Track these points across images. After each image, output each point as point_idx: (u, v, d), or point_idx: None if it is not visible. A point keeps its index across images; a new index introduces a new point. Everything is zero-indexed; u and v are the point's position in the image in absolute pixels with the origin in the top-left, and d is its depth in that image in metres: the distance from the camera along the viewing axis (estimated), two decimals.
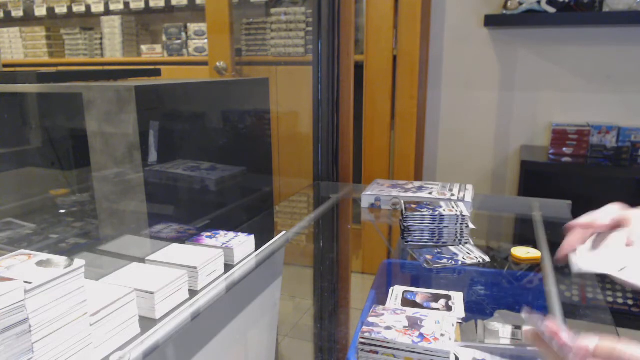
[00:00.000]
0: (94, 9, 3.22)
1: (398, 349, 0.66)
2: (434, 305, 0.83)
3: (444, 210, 1.16)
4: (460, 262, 1.04)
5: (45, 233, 1.15)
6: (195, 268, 0.82)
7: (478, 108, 2.32)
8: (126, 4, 3.10)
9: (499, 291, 0.95)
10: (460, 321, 0.78)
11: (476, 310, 0.84)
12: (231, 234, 0.98)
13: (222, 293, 0.84)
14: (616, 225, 0.64)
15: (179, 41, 3.02)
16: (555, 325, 0.53)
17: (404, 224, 1.15)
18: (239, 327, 0.89)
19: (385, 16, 2.19)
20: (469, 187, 1.46)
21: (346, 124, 1.92)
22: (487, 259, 1.06)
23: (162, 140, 0.98)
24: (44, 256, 0.58)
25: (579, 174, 2.17)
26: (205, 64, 2.61)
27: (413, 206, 1.18)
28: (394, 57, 2.24)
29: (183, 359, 0.76)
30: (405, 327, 0.68)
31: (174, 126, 1.04)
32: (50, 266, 0.56)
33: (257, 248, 1.00)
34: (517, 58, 2.22)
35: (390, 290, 0.88)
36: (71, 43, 3.39)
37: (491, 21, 2.08)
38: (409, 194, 1.41)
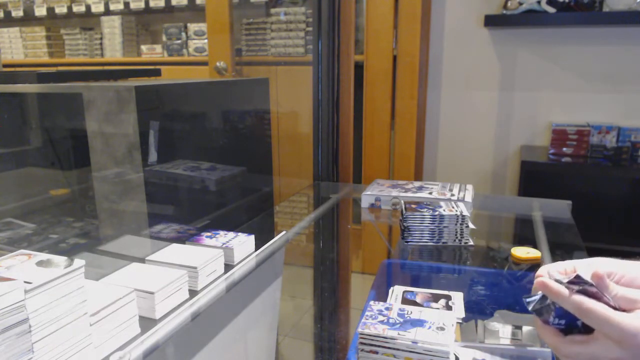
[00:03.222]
0: (94, 9, 3.22)
1: (398, 349, 0.65)
2: (434, 305, 0.83)
3: (444, 210, 1.16)
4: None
5: (45, 233, 1.15)
6: (195, 268, 0.82)
7: (478, 108, 2.32)
8: (126, 4, 3.10)
9: (499, 291, 0.95)
10: (460, 321, 0.78)
11: (476, 310, 0.84)
12: (231, 234, 0.98)
13: (222, 293, 0.84)
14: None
15: (179, 41, 3.02)
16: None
17: (404, 224, 1.15)
18: (239, 327, 0.89)
19: (385, 16, 2.19)
20: (469, 187, 1.46)
21: (346, 124, 1.92)
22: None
23: (162, 140, 0.98)
24: (44, 256, 0.58)
25: (579, 174, 2.17)
26: (205, 64, 2.61)
27: (413, 206, 1.18)
28: (394, 57, 2.24)
29: (183, 359, 0.76)
30: (404, 326, 0.68)
31: (174, 126, 1.05)
32: (50, 266, 0.56)
33: (257, 248, 1.00)
34: (517, 58, 2.22)
35: (390, 290, 0.88)
36: (71, 43, 3.39)
37: (491, 21, 2.08)
38: (409, 194, 1.41)
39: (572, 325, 0.56)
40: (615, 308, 0.52)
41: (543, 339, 0.58)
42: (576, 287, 0.54)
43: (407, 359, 0.65)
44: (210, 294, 0.83)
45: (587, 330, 0.54)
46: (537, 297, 0.58)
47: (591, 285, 0.53)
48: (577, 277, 0.54)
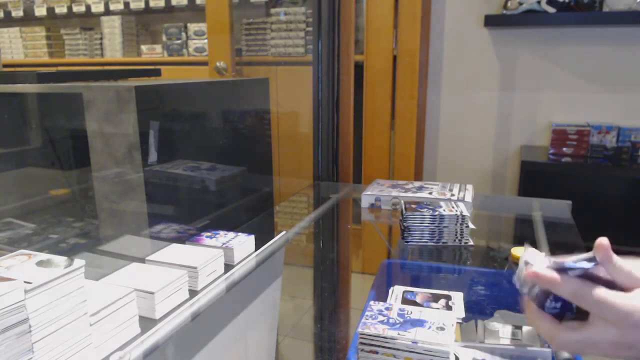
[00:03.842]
0: (94, 9, 3.22)
1: (398, 349, 0.66)
2: (434, 305, 0.83)
3: (444, 210, 1.16)
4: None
5: (45, 233, 1.15)
6: (195, 268, 0.82)
7: (478, 108, 2.32)
8: (126, 4, 3.10)
9: (499, 291, 0.95)
10: (460, 321, 0.78)
11: (476, 310, 0.84)
12: (231, 234, 0.98)
13: (222, 293, 0.84)
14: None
15: (179, 41, 3.02)
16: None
17: (404, 224, 1.15)
18: (239, 327, 0.89)
19: (385, 16, 2.19)
20: (469, 187, 1.46)
21: (346, 124, 1.92)
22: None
23: (162, 140, 0.98)
24: (44, 256, 0.58)
25: (579, 174, 2.17)
26: (205, 64, 2.61)
27: (413, 206, 1.18)
28: (394, 57, 2.24)
29: (183, 359, 0.76)
30: (404, 326, 0.68)
31: (174, 126, 1.05)
32: (50, 266, 0.56)
33: (257, 248, 1.00)
34: (517, 58, 2.22)
35: (390, 290, 0.88)
36: (71, 43, 3.39)
37: (491, 21, 2.08)
38: (409, 194, 1.41)
39: (566, 307, 0.54)
40: (613, 286, 0.51)
41: (537, 329, 0.56)
42: (570, 272, 0.52)
43: (407, 359, 0.65)
44: (210, 294, 0.83)
45: (580, 311, 0.53)
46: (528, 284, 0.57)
47: (583, 268, 0.52)
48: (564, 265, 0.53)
